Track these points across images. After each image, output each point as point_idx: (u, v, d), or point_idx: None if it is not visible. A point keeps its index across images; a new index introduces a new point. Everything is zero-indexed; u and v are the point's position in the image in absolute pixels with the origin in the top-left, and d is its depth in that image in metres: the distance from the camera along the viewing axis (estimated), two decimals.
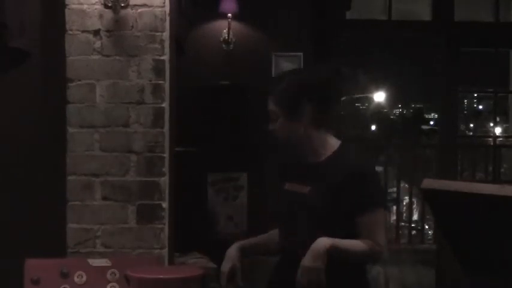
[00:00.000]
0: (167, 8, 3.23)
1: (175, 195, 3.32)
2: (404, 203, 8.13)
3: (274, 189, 2.47)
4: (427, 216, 7.07)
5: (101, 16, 3.20)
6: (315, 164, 2.31)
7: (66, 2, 3.20)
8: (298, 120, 2.29)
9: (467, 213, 1.70)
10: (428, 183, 2.02)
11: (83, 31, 3.20)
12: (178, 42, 3.56)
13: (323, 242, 2.14)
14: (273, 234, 2.47)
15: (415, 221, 7.99)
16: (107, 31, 3.20)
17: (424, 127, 15.33)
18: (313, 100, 2.29)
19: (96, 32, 3.20)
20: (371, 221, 2.23)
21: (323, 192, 2.24)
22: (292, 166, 2.40)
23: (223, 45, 5.06)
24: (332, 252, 2.14)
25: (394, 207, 7.65)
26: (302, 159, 2.36)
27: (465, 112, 15.84)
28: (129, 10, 3.19)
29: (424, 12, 5.49)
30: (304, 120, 2.29)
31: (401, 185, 7.33)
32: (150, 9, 3.20)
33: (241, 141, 5.06)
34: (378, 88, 14.52)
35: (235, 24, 5.01)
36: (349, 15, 5.28)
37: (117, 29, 3.20)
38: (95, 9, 3.20)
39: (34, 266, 2.86)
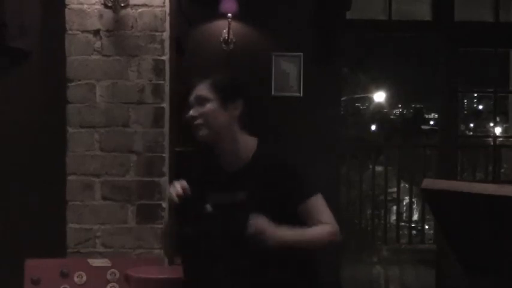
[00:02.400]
0: (167, 8, 3.23)
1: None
2: (404, 203, 8.14)
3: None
4: (427, 216, 7.08)
5: (101, 16, 3.20)
6: (240, 169, 2.26)
7: (66, 2, 3.20)
8: (230, 111, 2.26)
9: (467, 213, 1.70)
10: (428, 183, 2.02)
11: (83, 31, 3.20)
12: (178, 42, 3.56)
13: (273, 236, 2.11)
14: None
15: (415, 221, 8.01)
16: (107, 31, 3.20)
17: (424, 127, 15.32)
18: (245, 97, 2.29)
19: (96, 32, 3.20)
20: (314, 205, 2.22)
21: (259, 197, 2.20)
22: (213, 175, 2.34)
23: (223, 45, 5.06)
24: (281, 244, 2.12)
25: (394, 207, 7.66)
26: (223, 166, 2.31)
27: (465, 112, 15.84)
28: (129, 10, 3.19)
29: (424, 12, 5.49)
30: (235, 113, 2.27)
31: (401, 185, 7.34)
32: (150, 9, 3.20)
33: None
34: (377, 88, 14.52)
35: (235, 24, 5.01)
36: (349, 15, 5.27)
37: (117, 29, 3.20)
38: (95, 9, 3.20)
39: (34, 266, 2.86)
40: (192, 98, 2.30)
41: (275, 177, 2.20)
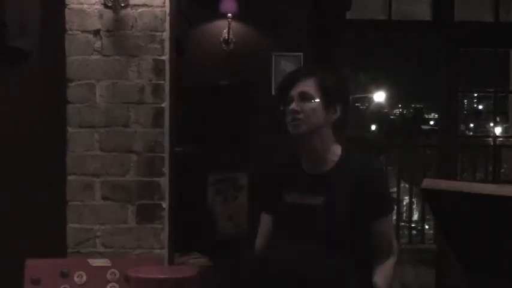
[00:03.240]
0: (167, 8, 3.23)
1: (175, 195, 3.32)
2: (404, 203, 8.14)
3: (266, 199, 2.40)
4: (427, 216, 7.08)
5: (101, 16, 3.20)
6: (323, 172, 2.28)
7: (66, 2, 3.20)
8: (330, 114, 2.28)
9: (467, 213, 1.70)
10: (428, 183, 2.02)
11: (83, 31, 3.20)
12: (178, 42, 3.56)
13: None
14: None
15: (415, 221, 8.00)
16: (107, 31, 3.20)
17: (424, 127, 15.33)
18: (345, 103, 2.31)
19: (96, 32, 3.20)
20: (385, 226, 2.28)
21: (339, 202, 2.22)
22: (293, 175, 2.34)
23: (223, 45, 5.06)
24: None
25: (394, 207, 7.66)
26: (304, 167, 2.32)
27: (465, 112, 15.84)
28: (129, 10, 3.19)
29: (424, 12, 5.49)
30: (333, 117, 2.28)
31: (401, 185, 7.34)
32: (150, 9, 3.20)
33: (241, 141, 5.06)
34: (377, 88, 14.53)
35: (235, 24, 5.01)
36: (349, 15, 5.28)
37: (117, 29, 3.20)
38: (95, 9, 3.20)
39: (34, 266, 2.86)
40: (294, 92, 2.28)
41: (358, 187, 2.21)
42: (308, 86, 2.27)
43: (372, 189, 2.23)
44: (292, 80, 2.32)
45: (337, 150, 2.31)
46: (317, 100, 2.25)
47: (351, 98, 2.44)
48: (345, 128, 2.38)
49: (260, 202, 2.44)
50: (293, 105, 2.27)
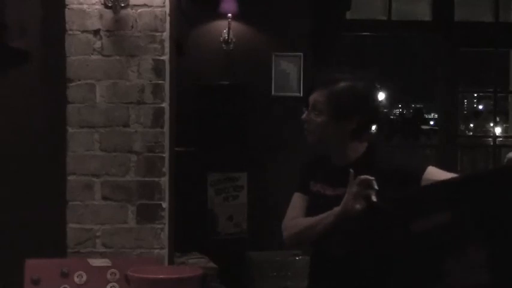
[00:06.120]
0: (167, 8, 3.23)
1: (175, 195, 3.32)
2: None
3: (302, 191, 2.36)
4: None
5: (101, 16, 3.20)
6: (344, 165, 2.20)
7: (66, 2, 3.20)
8: (343, 125, 2.22)
9: None
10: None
11: (83, 31, 3.20)
12: (178, 42, 3.57)
13: None
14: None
15: None
16: (107, 31, 3.20)
17: (424, 127, 15.31)
18: (363, 112, 2.23)
19: (96, 32, 3.21)
20: (434, 170, 2.21)
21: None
22: (323, 166, 2.33)
23: (223, 45, 5.06)
24: None
25: None
26: (331, 161, 2.30)
27: (465, 112, 15.83)
28: (129, 10, 3.19)
29: (424, 12, 5.49)
30: (346, 129, 2.22)
31: None
32: (150, 9, 3.20)
33: (241, 141, 5.06)
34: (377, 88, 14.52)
35: (235, 24, 5.01)
36: (349, 15, 5.28)
37: (117, 29, 3.20)
38: (95, 9, 3.20)
39: (34, 266, 2.86)
40: (310, 99, 2.26)
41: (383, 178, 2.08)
42: (320, 97, 2.23)
43: (397, 168, 2.16)
44: (313, 85, 2.29)
45: (361, 149, 2.26)
46: (325, 113, 2.21)
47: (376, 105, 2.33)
48: (367, 134, 2.27)
49: (297, 184, 2.39)
50: (304, 115, 2.27)
